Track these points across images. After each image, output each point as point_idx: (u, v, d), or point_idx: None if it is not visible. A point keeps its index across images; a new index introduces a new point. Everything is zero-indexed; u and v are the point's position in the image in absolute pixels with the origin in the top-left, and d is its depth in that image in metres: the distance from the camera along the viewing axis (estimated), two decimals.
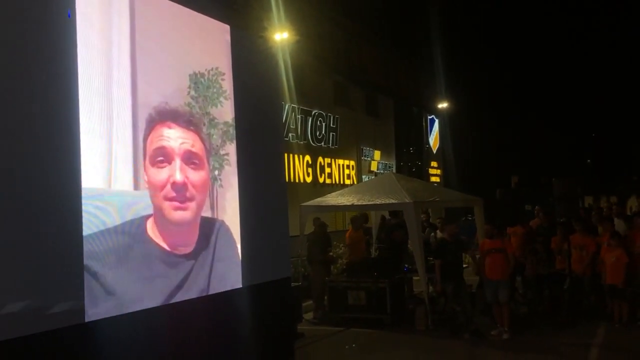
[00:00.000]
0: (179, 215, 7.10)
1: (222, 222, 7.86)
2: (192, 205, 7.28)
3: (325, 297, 12.07)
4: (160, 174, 6.90)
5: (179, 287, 7.05)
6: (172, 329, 6.91)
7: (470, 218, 17.80)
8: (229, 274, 7.95)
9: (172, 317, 6.88)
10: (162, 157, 6.93)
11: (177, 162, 7.09)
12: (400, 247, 13.11)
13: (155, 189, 6.82)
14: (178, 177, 7.06)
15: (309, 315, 12.17)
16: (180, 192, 7.09)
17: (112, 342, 6.09)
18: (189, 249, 7.28)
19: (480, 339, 10.11)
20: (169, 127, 7.07)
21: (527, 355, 9.28)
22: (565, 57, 43.44)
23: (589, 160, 47.84)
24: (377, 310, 11.27)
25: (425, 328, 10.85)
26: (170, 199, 6.98)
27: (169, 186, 6.94)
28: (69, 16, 5.92)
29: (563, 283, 11.43)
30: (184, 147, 7.25)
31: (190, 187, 7.22)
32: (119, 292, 6.23)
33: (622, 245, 10.55)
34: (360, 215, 13.64)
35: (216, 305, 7.61)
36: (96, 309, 5.95)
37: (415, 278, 12.67)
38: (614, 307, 10.67)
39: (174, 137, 7.13)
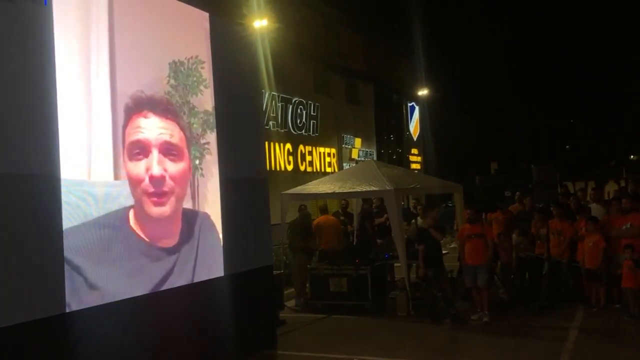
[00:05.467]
0: (157, 210, 7.05)
1: (205, 213, 7.84)
2: (172, 199, 7.23)
3: (307, 285, 12.11)
4: (138, 167, 6.84)
5: (163, 280, 7.04)
6: (154, 317, 6.92)
7: (450, 205, 17.93)
8: (212, 264, 7.95)
9: (153, 305, 6.88)
10: (139, 149, 6.85)
11: (155, 155, 7.03)
12: (369, 236, 13.24)
13: (134, 182, 6.77)
14: (156, 170, 7.00)
15: (290, 303, 12.20)
16: (159, 186, 7.03)
17: (94, 331, 6.08)
18: (172, 242, 7.25)
19: (460, 323, 10.22)
20: (146, 117, 7.00)
21: (507, 338, 9.39)
22: (544, 44, 43.72)
23: (567, 146, 48.29)
24: (359, 297, 11.32)
25: (407, 314, 10.93)
26: (149, 194, 6.92)
27: (147, 180, 6.88)
28: (45, 4, 5.86)
29: (542, 268, 11.57)
30: (162, 137, 7.19)
31: (168, 179, 7.15)
32: (102, 286, 6.21)
33: (600, 230, 10.69)
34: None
35: (198, 293, 7.62)
36: (79, 304, 5.93)
37: (396, 265, 12.74)
38: (591, 291, 10.82)
39: (151, 128, 7.07)
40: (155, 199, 6.99)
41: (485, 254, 10.44)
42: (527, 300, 11.37)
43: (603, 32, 42.91)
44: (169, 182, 7.17)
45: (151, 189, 6.93)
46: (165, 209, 7.15)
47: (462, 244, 10.80)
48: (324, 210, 13.34)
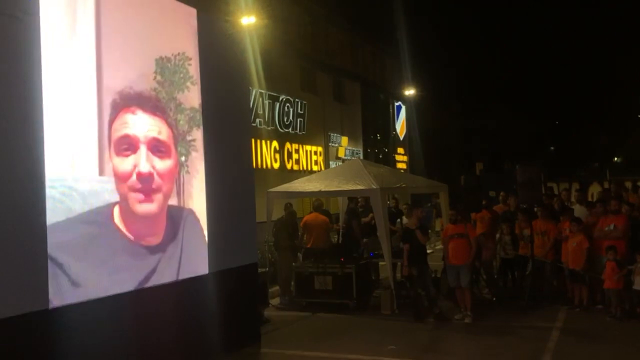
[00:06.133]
0: (144, 208, 7.01)
1: (190, 210, 7.82)
2: (159, 196, 7.20)
3: (292, 283, 12.11)
4: (125, 164, 6.79)
5: (147, 278, 7.01)
6: (138, 314, 6.89)
7: (429, 205, 18.01)
8: (196, 262, 7.93)
9: (137, 302, 6.86)
10: (127, 145, 6.81)
11: (143, 151, 6.99)
12: (355, 235, 13.27)
13: (120, 178, 6.72)
14: (144, 167, 6.96)
15: (275, 301, 12.20)
16: (146, 183, 6.99)
17: (78, 327, 6.05)
18: (157, 240, 7.22)
19: (444, 322, 10.26)
20: (134, 113, 6.97)
21: (490, 338, 9.45)
22: (529, 46, 43.99)
23: (552, 148, 48.61)
24: (344, 295, 11.35)
25: (391, 312, 10.96)
26: (136, 190, 6.87)
27: (134, 176, 6.83)
28: None
29: (525, 268, 11.64)
30: (150, 134, 7.15)
31: (156, 177, 7.12)
32: (85, 283, 6.18)
33: (583, 230, 10.78)
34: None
35: (182, 291, 7.60)
36: (62, 301, 5.91)
37: (381, 263, 12.78)
38: (574, 291, 10.91)
39: (140, 124, 7.04)
40: (142, 196, 6.95)
41: (468, 253, 10.49)
42: (510, 300, 11.44)
43: (589, 34, 43.25)
44: (157, 180, 7.13)
45: (138, 186, 6.89)
46: (152, 207, 7.12)
47: (446, 243, 10.86)
48: (318, 208, 13.26)
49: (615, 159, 48.21)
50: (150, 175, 7.03)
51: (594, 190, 19.46)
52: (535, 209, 11.98)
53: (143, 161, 6.96)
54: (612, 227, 10.57)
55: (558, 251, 11.16)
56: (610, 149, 44.39)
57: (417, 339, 9.50)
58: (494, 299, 11.71)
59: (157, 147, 7.20)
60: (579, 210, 11.80)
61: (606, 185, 19.91)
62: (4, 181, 5.43)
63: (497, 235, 12.00)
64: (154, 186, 7.09)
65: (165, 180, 7.31)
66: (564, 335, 9.35)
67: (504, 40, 42.02)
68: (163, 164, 7.27)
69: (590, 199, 14.40)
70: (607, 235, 10.53)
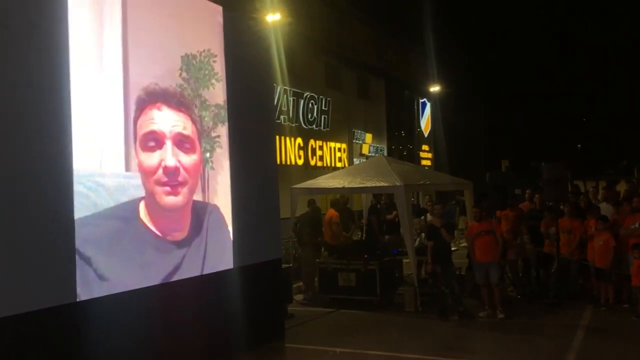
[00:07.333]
0: (171, 200, 7.11)
1: (214, 206, 7.89)
2: (184, 190, 7.29)
3: (316, 279, 12.15)
4: (152, 159, 6.89)
5: (172, 273, 7.10)
6: (163, 308, 6.98)
7: (452, 203, 17.95)
8: (221, 257, 8.00)
9: (163, 296, 6.95)
10: (153, 141, 6.91)
11: (169, 146, 7.08)
12: (374, 231, 13.26)
13: (146, 173, 6.82)
14: (170, 161, 7.05)
15: (299, 297, 12.25)
16: (172, 177, 7.08)
17: (104, 320, 6.15)
18: (182, 235, 7.30)
19: (468, 320, 10.23)
20: (159, 109, 7.06)
21: (514, 336, 9.40)
22: (556, 42, 43.48)
23: (579, 145, 48.02)
24: (367, 292, 11.36)
25: (415, 310, 10.95)
26: (162, 184, 6.97)
27: (160, 171, 6.93)
28: None
29: (550, 266, 11.56)
30: (176, 129, 7.24)
31: (182, 171, 7.21)
32: (111, 278, 6.28)
33: (610, 229, 10.67)
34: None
35: (208, 285, 7.67)
36: (90, 294, 6.01)
37: (405, 260, 12.76)
38: (600, 290, 10.80)
39: (165, 120, 7.12)
40: (168, 188, 7.05)
41: (495, 250, 10.43)
42: (535, 298, 11.36)
43: (617, 31, 42.62)
44: (183, 174, 7.23)
45: (165, 180, 6.99)
46: (178, 199, 7.21)
47: (471, 241, 10.80)
48: (333, 204, 13.30)
49: None
50: (177, 169, 7.13)
51: (621, 188, 19.20)
52: (562, 207, 11.87)
53: (169, 155, 7.05)
54: (637, 225, 10.46)
55: (584, 249, 11.06)
56: (638, 147, 43.74)
57: (441, 337, 9.48)
58: (519, 296, 11.64)
59: (182, 142, 7.28)
60: (605, 209, 11.67)
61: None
62: (34, 177, 5.55)
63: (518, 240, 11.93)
64: (180, 179, 7.19)
65: (191, 175, 7.39)
66: (589, 334, 9.27)
67: (531, 37, 41.58)
68: (189, 159, 7.35)
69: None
70: (632, 233, 10.42)
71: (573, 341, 8.85)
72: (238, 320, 8.18)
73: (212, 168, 7.90)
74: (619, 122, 42.47)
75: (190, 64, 7.64)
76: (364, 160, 22.68)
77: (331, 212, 13.05)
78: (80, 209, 5.96)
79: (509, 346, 8.87)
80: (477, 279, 10.69)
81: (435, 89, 31.35)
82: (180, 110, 7.37)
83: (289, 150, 19.62)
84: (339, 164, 22.62)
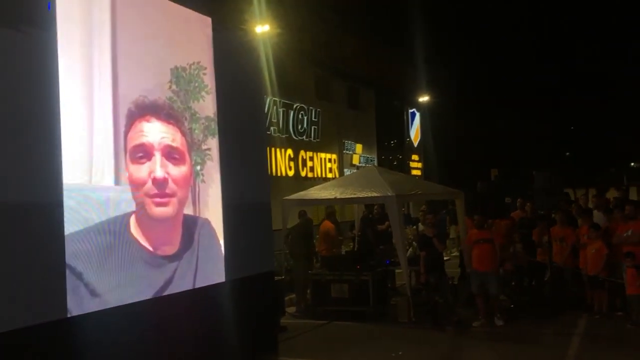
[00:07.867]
0: (160, 211, 7.04)
1: (205, 219, 7.82)
2: (174, 200, 7.23)
3: (308, 291, 12.08)
4: (141, 171, 6.84)
5: (163, 288, 7.03)
6: (155, 322, 6.90)
7: (443, 212, 17.94)
8: (212, 270, 7.93)
9: (154, 310, 6.86)
10: (142, 153, 6.87)
11: (157, 157, 7.03)
12: (369, 242, 13.22)
13: (136, 185, 6.77)
14: (158, 172, 7.00)
15: (291, 309, 12.17)
16: (161, 188, 7.04)
17: (96, 336, 6.06)
18: (173, 249, 7.23)
19: (462, 330, 10.19)
20: (149, 122, 7.01)
21: (509, 345, 9.37)
22: (544, 50, 43.76)
23: (568, 153, 48.25)
24: (360, 303, 11.29)
25: (408, 320, 10.89)
26: (152, 196, 6.93)
27: (149, 182, 6.90)
28: (48, 9, 5.85)
29: (544, 275, 11.54)
30: (164, 141, 7.19)
31: (171, 182, 7.16)
32: (102, 293, 6.20)
33: (602, 237, 10.68)
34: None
35: (199, 299, 7.59)
36: (80, 310, 5.92)
37: (397, 271, 12.72)
38: (594, 298, 10.80)
39: (154, 132, 7.07)
40: (158, 199, 7.00)
41: (494, 259, 10.38)
42: (529, 307, 11.34)
43: (605, 38, 42.97)
44: (172, 185, 7.17)
45: (154, 191, 6.94)
46: (168, 210, 7.14)
47: (470, 249, 10.75)
48: (328, 216, 13.26)
49: (632, 164, 47.75)
50: (165, 180, 7.08)
51: (611, 196, 19.25)
52: (553, 215, 11.88)
53: (158, 167, 7.01)
54: (629, 232, 10.47)
55: (577, 257, 11.06)
56: (627, 154, 43.98)
57: (435, 347, 9.43)
58: (512, 305, 11.60)
59: (171, 154, 7.23)
60: (596, 216, 11.68)
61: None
62: (23, 190, 5.46)
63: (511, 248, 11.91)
64: (168, 191, 7.14)
65: (180, 186, 7.33)
66: (585, 342, 9.25)
67: (519, 46, 41.78)
68: (177, 170, 7.30)
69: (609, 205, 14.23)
70: (625, 241, 10.43)
71: (569, 349, 8.84)
72: (231, 333, 8.10)
73: (203, 181, 7.84)
74: (608, 129, 42.73)
75: (180, 77, 7.59)
76: (355, 170, 22.65)
77: (327, 225, 13.00)
78: (71, 224, 5.88)
79: (504, 356, 8.84)
80: (472, 287, 10.65)
81: (424, 98, 31.44)
82: (169, 123, 7.31)
83: (280, 162, 19.56)
84: (329, 175, 22.58)
